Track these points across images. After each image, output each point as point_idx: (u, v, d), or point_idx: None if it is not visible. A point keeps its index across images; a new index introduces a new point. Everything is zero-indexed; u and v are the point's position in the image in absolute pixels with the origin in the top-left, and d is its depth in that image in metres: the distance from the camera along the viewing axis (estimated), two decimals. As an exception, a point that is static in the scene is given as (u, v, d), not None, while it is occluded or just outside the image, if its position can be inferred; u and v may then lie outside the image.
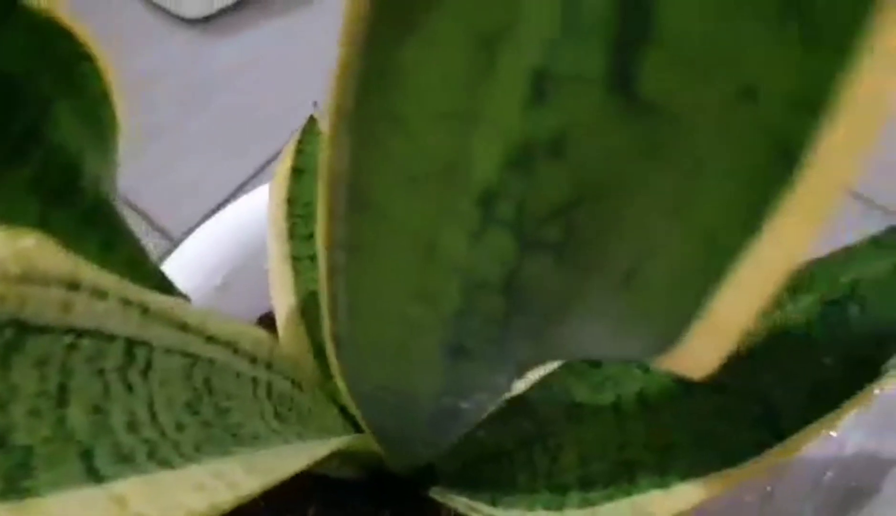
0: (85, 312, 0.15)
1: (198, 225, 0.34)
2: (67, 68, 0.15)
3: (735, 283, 0.08)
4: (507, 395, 0.24)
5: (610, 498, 0.20)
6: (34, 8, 0.14)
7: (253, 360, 0.21)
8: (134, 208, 0.49)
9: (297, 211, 0.27)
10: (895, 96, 0.06)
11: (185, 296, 0.22)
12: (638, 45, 0.07)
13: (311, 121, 0.28)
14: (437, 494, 0.24)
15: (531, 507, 0.22)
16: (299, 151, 0.27)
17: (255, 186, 0.38)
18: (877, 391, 0.17)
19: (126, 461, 0.14)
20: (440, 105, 0.08)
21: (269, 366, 0.21)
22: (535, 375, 0.23)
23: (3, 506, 0.11)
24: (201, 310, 0.19)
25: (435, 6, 0.07)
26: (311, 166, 0.28)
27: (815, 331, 0.18)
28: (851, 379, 0.17)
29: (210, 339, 0.19)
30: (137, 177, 0.50)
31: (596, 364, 0.22)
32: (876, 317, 0.18)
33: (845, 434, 0.40)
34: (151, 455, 0.15)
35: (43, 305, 0.14)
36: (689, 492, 0.19)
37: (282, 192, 0.27)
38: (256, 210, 0.32)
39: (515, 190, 0.08)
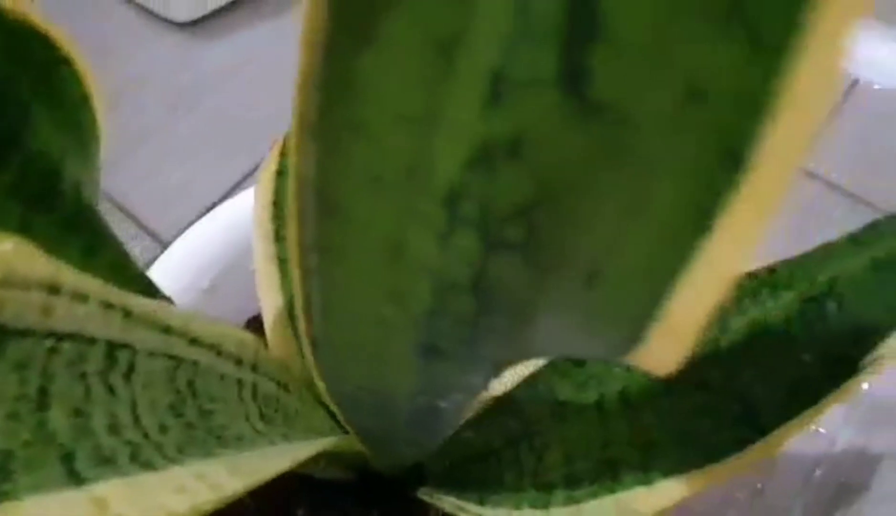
0: (65, 316, 0.15)
1: (188, 228, 0.34)
2: (45, 73, 0.16)
3: (690, 283, 0.08)
4: (494, 394, 0.24)
5: (594, 495, 0.20)
6: (7, 11, 0.14)
7: (238, 362, 0.21)
8: (124, 211, 0.49)
9: (282, 212, 0.27)
10: (834, 96, 0.06)
11: (168, 299, 0.22)
12: (587, 44, 0.07)
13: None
14: (425, 494, 0.24)
15: (518, 506, 0.22)
16: (284, 154, 0.27)
17: (246, 189, 0.38)
18: (865, 386, 0.17)
19: (107, 463, 0.14)
20: (401, 109, 0.08)
21: (254, 368, 0.21)
22: (520, 373, 0.23)
23: (-19, 509, 0.11)
24: (185, 312, 0.19)
25: (391, 13, 0.07)
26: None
27: (794, 328, 0.18)
28: (830, 375, 0.18)
29: (194, 342, 0.19)
30: (128, 179, 0.50)
31: (579, 362, 0.22)
32: (854, 314, 0.18)
33: (835, 431, 0.40)
34: (133, 457, 0.15)
35: (23, 309, 0.14)
36: (672, 489, 0.19)
37: (267, 194, 0.27)
38: (244, 212, 0.32)
39: (478, 190, 0.09)
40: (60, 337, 0.15)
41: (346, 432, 0.22)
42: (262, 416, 0.21)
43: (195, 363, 0.19)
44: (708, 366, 0.19)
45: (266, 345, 0.27)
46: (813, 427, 0.40)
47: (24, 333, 0.14)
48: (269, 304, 0.27)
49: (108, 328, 0.16)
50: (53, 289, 0.14)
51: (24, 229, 0.16)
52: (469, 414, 0.24)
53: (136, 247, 0.47)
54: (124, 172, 0.50)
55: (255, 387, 0.21)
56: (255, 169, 0.51)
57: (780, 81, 0.06)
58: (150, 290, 0.21)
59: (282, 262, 0.27)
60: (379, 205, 0.09)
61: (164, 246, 0.35)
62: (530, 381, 0.23)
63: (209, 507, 0.15)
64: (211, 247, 0.33)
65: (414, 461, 0.25)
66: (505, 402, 0.24)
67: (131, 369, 0.16)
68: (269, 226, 0.27)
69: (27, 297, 0.14)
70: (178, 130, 0.53)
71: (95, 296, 0.15)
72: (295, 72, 0.08)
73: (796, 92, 0.06)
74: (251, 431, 0.20)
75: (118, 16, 0.60)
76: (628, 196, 0.08)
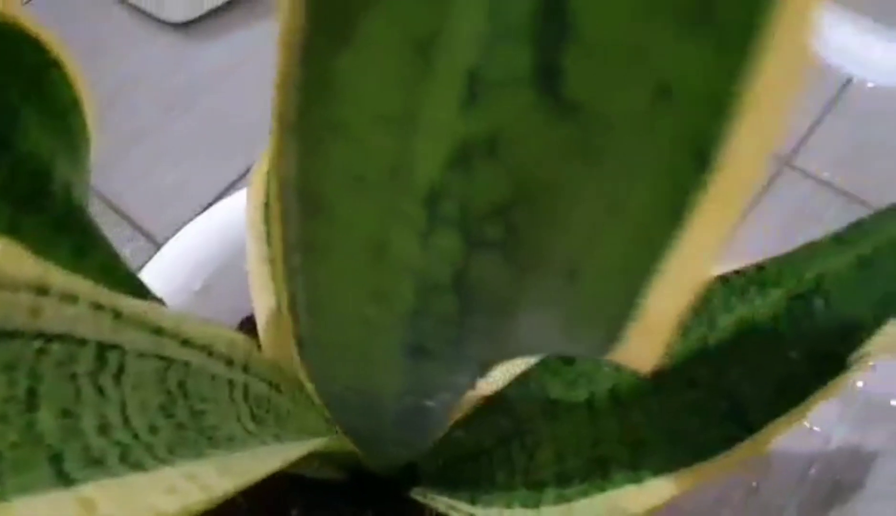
0: (54, 317, 0.15)
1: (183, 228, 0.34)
2: (36, 76, 0.16)
3: (664, 281, 0.08)
4: (484, 393, 0.24)
5: (585, 493, 0.20)
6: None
7: (229, 363, 0.21)
8: (118, 212, 0.49)
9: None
10: (798, 96, 0.06)
11: (160, 300, 0.22)
12: (559, 43, 0.07)
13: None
14: (418, 494, 0.24)
15: (509, 505, 0.22)
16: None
17: (241, 189, 0.38)
18: (859, 384, 0.17)
19: (97, 464, 0.14)
20: (380, 109, 0.08)
21: (245, 369, 0.21)
22: (511, 372, 0.23)
23: (-32, 511, 0.11)
24: (176, 313, 0.19)
25: (368, 13, 0.07)
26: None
27: (782, 325, 0.18)
28: (817, 372, 0.18)
29: (185, 343, 0.19)
30: (122, 180, 0.50)
31: (569, 360, 0.22)
32: (840, 311, 0.18)
33: (830, 429, 0.40)
34: (123, 458, 0.15)
35: (11, 310, 0.14)
36: (661, 487, 0.19)
37: (260, 195, 0.27)
38: (238, 212, 0.32)
39: (457, 190, 0.09)
40: (49, 338, 0.15)
41: (338, 432, 0.22)
42: (253, 417, 0.21)
43: (186, 364, 0.19)
44: (696, 364, 0.19)
45: (259, 345, 0.27)
46: (807, 425, 0.40)
47: (12, 334, 0.14)
48: (263, 305, 0.27)
49: (98, 329, 0.16)
50: (42, 290, 0.14)
51: (13, 230, 0.16)
52: (460, 413, 0.24)
53: (130, 249, 0.47)
54: (118, 173, 0.50)
55: (246, 388, 0.21)
56: (250, 170, 0.51)
57: (744, 82, 0.06)
58: (141, 291, 0.21)
59: (274, 263, 0.27)
60: (361, 204, 0.09)
61: (159, 247, 0.35)
62: (521, 379, 0.23)
63: (200, 508, 0.15)
64: (205, 248, 0.33)
65: (406, 461, 0.25)
66: (496, 401, 0.24)
67: (121, 370, 0.16)
68: (261, 228, 0.27)
69: (15, 298, 0.14)
70: (173, 131, 0.53)
71: (85, 297, 0.15)
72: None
73: (761, 93, 0.06)
74: (242, 432, 0.20)
75: (112, 16, 0.60)
76: (603, 195, 0.08)
